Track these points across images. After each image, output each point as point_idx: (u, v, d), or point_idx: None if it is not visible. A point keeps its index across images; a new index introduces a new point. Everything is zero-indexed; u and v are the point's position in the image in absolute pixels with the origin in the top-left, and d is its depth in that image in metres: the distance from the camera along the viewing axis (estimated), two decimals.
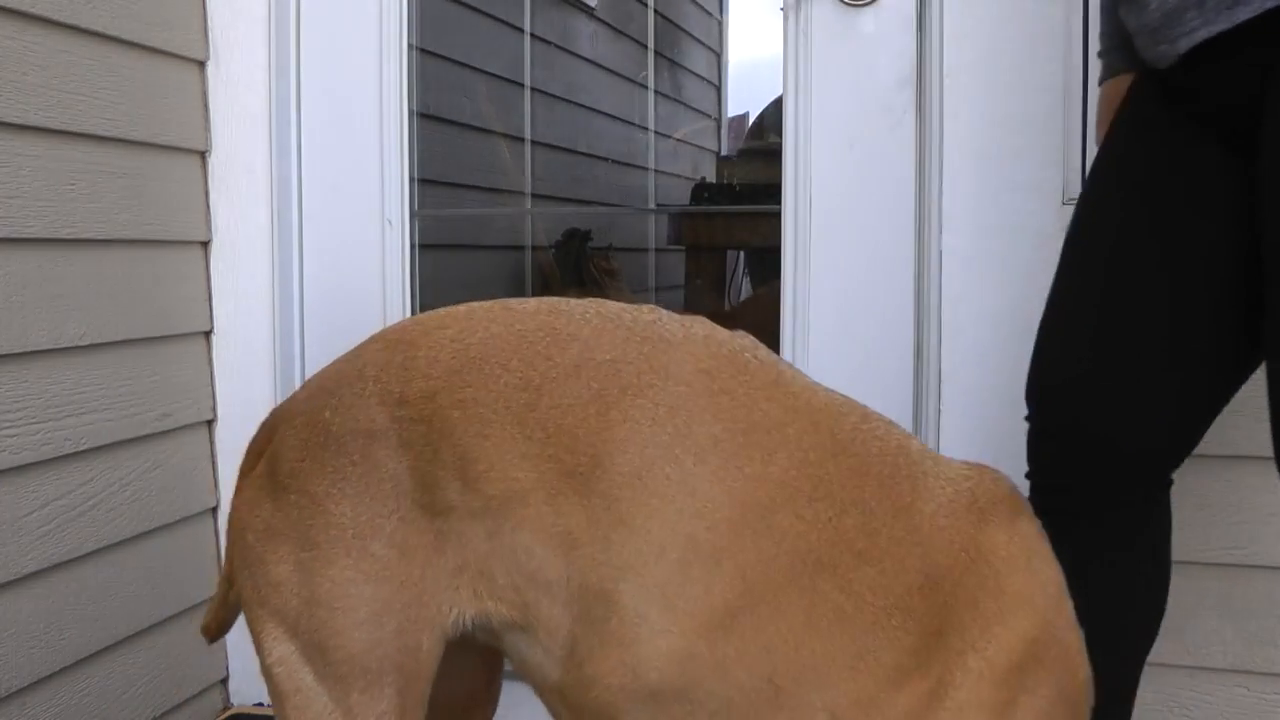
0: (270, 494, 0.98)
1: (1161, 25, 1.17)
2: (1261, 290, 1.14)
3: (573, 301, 1.03)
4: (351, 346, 1.07)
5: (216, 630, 1.16)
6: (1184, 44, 1.15)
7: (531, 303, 1.03)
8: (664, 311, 1.02)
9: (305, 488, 0.95)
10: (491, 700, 1.19)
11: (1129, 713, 1.35)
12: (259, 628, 0.98)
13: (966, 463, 1.03)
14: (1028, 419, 1.34)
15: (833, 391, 1.02)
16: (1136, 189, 1.27)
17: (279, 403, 1.09)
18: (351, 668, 0.94)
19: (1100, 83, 1.45)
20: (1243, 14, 1.10)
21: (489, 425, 0.95)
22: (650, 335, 0.98)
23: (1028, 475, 1.35)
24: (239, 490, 1.03)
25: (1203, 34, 1.13)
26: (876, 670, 0.91)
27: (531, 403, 0.95)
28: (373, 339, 1.04)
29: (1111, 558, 1.30)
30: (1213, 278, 1.22)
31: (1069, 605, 1.00)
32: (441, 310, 1.05)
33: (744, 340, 1.01)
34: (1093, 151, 1.71)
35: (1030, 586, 0.96)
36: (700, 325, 1.01)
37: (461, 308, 1.04)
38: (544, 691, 1.02)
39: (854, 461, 0.96)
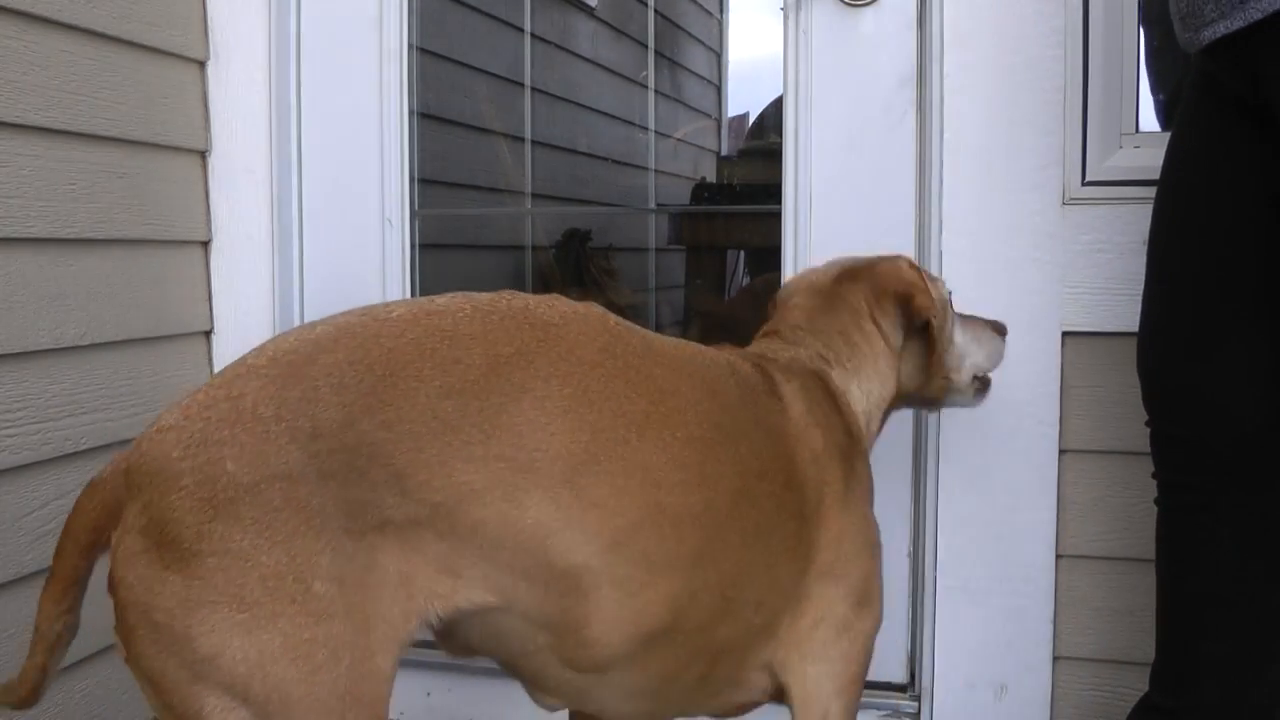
0: (173, 565, 0.90)
1: (1188, 13, 1.24)
2: None
3: (438, 299, 1.02)
4: None
5: (35, 700, 1.07)
6: (1206, 35, 1.21)
7: (399, 307, 1.00)
8: (524, 294, 1.06)
9: (225, 548, 0.89)
10: None
11: None
12: (195, 705, 0.91)
13: (745, 354, 1.27)
14: (1149, 424, 1.39)
15: (665, 336, 1.14)
16: (1198, 178, 1.32)
17: (101, 473, 0.97)
18: (318, 714, 0.91)
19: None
20: (1254, 13, 1.13)
21: (421, 439, 0.93)
22: (535, 321, 1.02)
23: (1154, 476, 1.40)
24: (121, 576, 0.94)
25: (1222, 27, 1.18)
26: (776, 557, 1.14)
27: (461, 408, 0.94)
28: (236, 375, 0.94)
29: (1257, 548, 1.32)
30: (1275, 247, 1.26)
31: (864, 441, 1.31)
32: (295, 334, 0.98)
33: (598, 309, 1.08)
34: (1093, 152, 1.73)
35: (829, 450, 1.22)
36: (562, 303, 1.06)
37: (323, 326, 0.98)
38: (531, 654, 1.04)
39: (724, 398, 1.12)
